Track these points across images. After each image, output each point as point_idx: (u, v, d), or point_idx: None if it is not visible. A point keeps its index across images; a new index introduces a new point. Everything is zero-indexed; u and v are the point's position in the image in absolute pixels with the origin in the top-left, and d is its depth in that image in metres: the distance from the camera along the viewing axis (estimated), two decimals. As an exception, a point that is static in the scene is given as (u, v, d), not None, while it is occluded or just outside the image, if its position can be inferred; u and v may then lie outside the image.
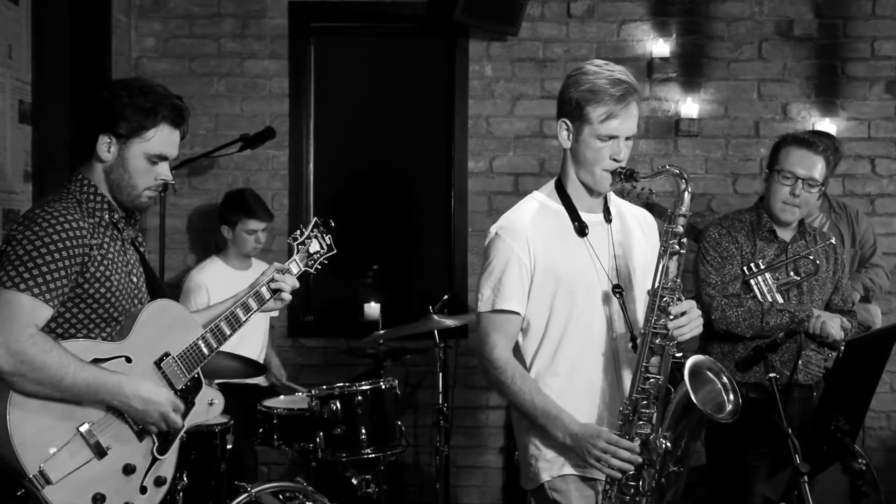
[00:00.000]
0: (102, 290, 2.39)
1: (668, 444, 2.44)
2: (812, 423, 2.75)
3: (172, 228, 5.07)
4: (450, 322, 4.34)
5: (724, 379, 2.49)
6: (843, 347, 2.68)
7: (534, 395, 2.54)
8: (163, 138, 2.48)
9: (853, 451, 2.57)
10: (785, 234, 3.58)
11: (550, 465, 2.59)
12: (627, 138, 2.56)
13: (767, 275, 3.51)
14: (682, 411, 2.44)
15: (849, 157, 5.10)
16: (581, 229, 2.61)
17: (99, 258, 2.39)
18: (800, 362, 3.45)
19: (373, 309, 4.96)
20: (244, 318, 2.68)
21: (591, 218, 2.65)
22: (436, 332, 4.42)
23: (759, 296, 3.49)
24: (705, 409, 2.41)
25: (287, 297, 2.76)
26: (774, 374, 2.64)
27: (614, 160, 2.55)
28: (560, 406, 2.53)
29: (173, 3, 5.14)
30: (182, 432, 2.54)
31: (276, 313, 4.84)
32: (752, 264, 3.52)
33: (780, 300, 3.49)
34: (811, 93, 5.13)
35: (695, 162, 5.15)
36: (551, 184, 2.72)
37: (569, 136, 2.60)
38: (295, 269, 2.81)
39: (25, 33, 3.96)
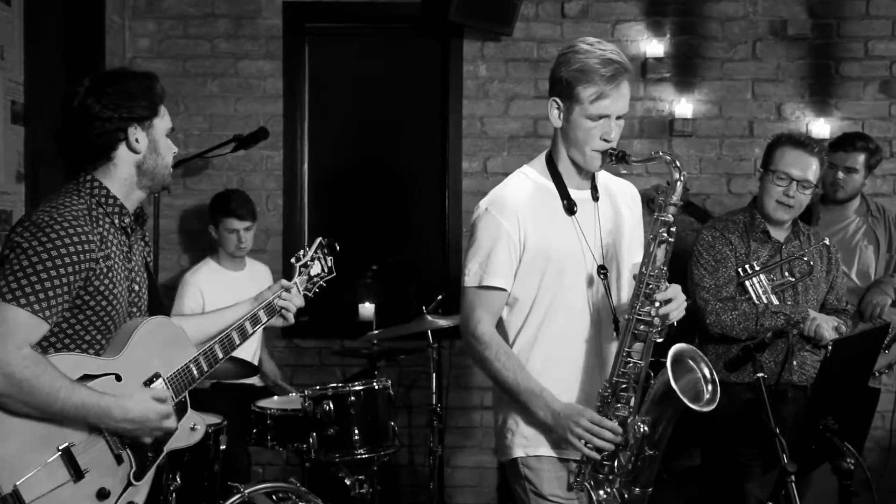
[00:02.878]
0: (104, 302, 2.32)
1: (647, 429, 2.47)
2: (801, 422, 2.75)
3: (166, 229, 5.07)
4: (443, 322, 4.34)
5: (705, 369, 2.52)
6: (829, 347, 2.68)
7: (517, 372, 2.56)
8: (167, 112, 2.48)
9: (842, 450, 2.58)
10: (779, 235, 3.59)
11: (527, 443, 2.61)
12: (619, 118, 2.56)
13: (762, 276, 3.52)
14: (662, 397, 2.46)
15: (843, 156, 5.10)
16: (570, 207, 2.62)
17: (105, 270, 2.30)
18: (794, 363, 3.46)
19: (367, 309, 4.96)
20: (238, 343, 2.61)
21: (580, 195, 2.66)
22: (429, 332, 4.42)
23: (754, 297, 3.49)
24: (684, 397, 2.43)
25: (291, 318, 2.70)
26: (762, 374, 2.64)
27: (605, 140, 2.55)
28: (542, 385, 2.54)
29: (167, 4, 5.13)
30: (161, 458, 2.47)
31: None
32: (746, 266, 3.52)
33: (776, 301, 3.50)
34: (805, 93, 5.13)
35: (689, 162, 5.15)
36: (542, 158, 2.72)
37: (559, 114, 2.61)
38: (297, 291, 2.75)
39: (18, 34, 3.96)
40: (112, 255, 2.34)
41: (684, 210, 4.87)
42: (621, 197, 2.77)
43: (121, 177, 2.40)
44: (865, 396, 3.13)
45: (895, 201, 5.11)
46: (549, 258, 2.60)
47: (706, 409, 2.46)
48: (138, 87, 2.40)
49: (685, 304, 2.53)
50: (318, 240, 2.85)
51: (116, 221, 2.39)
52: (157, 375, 2.41)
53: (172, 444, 2.49)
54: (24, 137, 3.98)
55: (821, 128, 5.04)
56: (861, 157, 4.21)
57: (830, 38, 5.12)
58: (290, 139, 5.17)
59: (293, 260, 2.79)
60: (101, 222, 2.34)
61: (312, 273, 2.81)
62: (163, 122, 2.45)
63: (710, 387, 2.49)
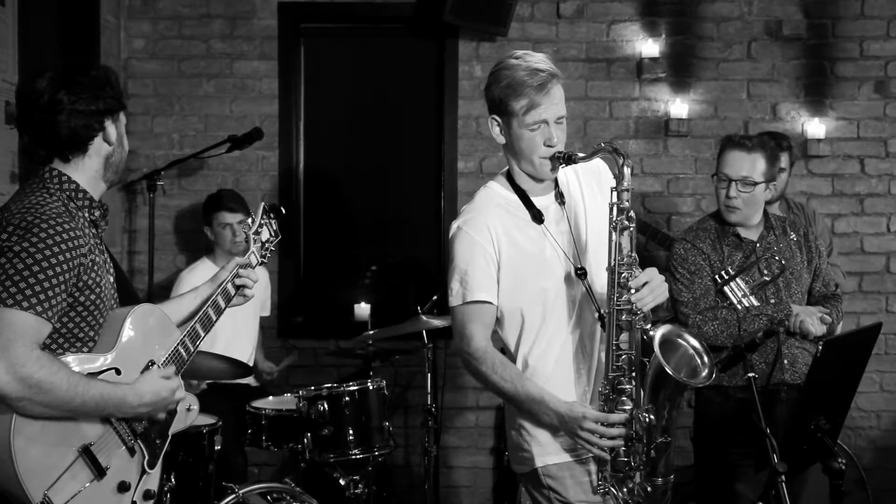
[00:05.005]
0: (93, 296, 2.33)
1: (652, 417, 2.47)
2: (792, 422, 2.76)
3: (162, 229, 5.07)
4: (438, 322, 4.33)
5: (696, 343, 2.53)
6: (820, 347, 2.68)
7: (516, 381, 2.57)
8: None
9: (833, 450, 2.58)
10: (751, 235, 3.59)
11: (544, 450, 2.61)
12: (559, 121, 2.57)
13: (739, 280, 3.51)
14: (658, 382, 2.47)
15: (838, 156, 5.12)
16: (537, 217, 2.63)
17: (90, 265, 2.32)
18: (786, 361, 3.46)
19: (362, 310, 4.95)
20: (216, 319, 2.64)
21: (545, 202, 2.67)
22: (424, 332, 4.42)
23: (734, 301, 3.48)
24: (679, 376, 2.44)
25: (250, 293, 2.72)
26: (753, 374, 2.64)
27: (549, 146, 2.56)
28: (543, 388, 2.55)
29: (162, 4, 5.13)
30: (167, 443, 2.51)
31: (265, 312, 4.86)
32: (722, 272, 3.52)
33: (756, 302, 3.49)
34: (800, 93, 5.13)
35: (684, 162, 5.15)
36: (502, 175, 2.73)
37: (501, 131, 2.63)
38: (254, 262, 2.76)
39: (12, 34, 3.95)
40: (92, 249, 2.36)
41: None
42: (589, 188, 2.75)
43: (91, 169, 2.41)
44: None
45: (889, 202, 5.13)
46: (525, 268, 2.61)
47: (706, 383, 2.48)
48: (106, 79, 2.43)
49: (664, 286, 2.53)
50: (262, 205, 2.86)
51: (87, 215, 2.41)
52: (151, 362, 2.44)
53: (174, 427, 2.54)
54: (18, 138, 3.97)
55: (816, 128, 5.05)
56: (786, 156, 4.26)
57: (825, 38, 5.12)
58: (285, 139, 5.17)
59: (244, 228, 2.81)
60: (76, 217, 2.35)
61: (263, 239, 2.83)
62: (124, 116, 2.50)
63: (704, 359, 2.52)
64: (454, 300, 2.64)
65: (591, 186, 2.74)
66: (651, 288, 2.49)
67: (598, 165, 2.77)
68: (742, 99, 5.14)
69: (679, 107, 5.08)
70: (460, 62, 5.14)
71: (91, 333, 2.35)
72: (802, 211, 4.51)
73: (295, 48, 5.22)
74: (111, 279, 2.49)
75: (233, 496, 3.42)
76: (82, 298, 2.30)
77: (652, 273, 2.52)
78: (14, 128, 3.96)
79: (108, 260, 2.52)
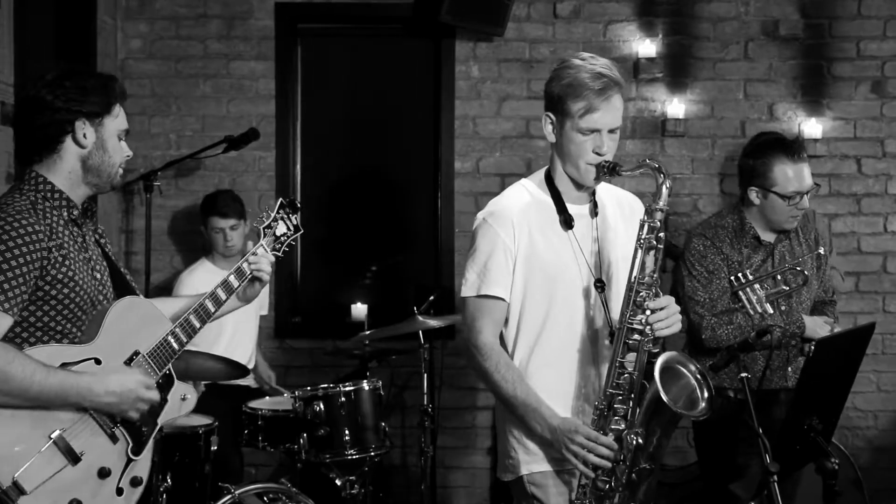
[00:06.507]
0: (66, 290, 2.35)
1: (640, 440, 2.45)
2: (785, 422, 2.76)
3: (159, 230, 5.07)
4: (434, 323, 4.33)
5: (698, 375, 2.50)
6: (813, 347, 2.68)
7: (517, 384, 2.56)
8: (123, 113, 2.53)
9: (826, 450, 2.58)
10: (769, 237, 3.57)
11: (530, 459, 2.61)
12: (612, 131, 2.57)
13: (756, 285, 3.49)
14: (654, 408, 2.44)
15: (835, 156, 5.12)
16: (567, 222, 2.63)
17: (60, 259, 2.35)
18: (789, 369, 3.47)
19: (359, 310, 4.95)
20: (213, 310, 2.64)
21: (578, 210, 2.67)
22: (420, 332, 4.42)
23: (748, 307, 3.47)
24: (676, 406, 2.42)
25: (266, 278, 2.73)
26: (746, 375, 2.64)
27: (598, 153, 2.56)
28: (541, 398, 2.54)
29: (159, 5, 5.13)
30: (156, 431, 2.52)
31: (264, 311, 4.85)
32: (739, 275, 3.49)
33: (770, 310, 3.47)
34: (797, 93, 5.13)
35: (681, 162, 5.15)
36: (541, 173, 2.74)
37: (553, 129, 2.63)
38: (261, 252, 2.77)
39: (8, 34, 3.95)
40: (65, 245, 2.38)
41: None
42: (621, 212, 2.76)
43: (65, 170, 2.45)
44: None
45: (886, 201, 5.13)
46: (540, 270, 2.61)
47: (702, 417, 2.45)
48: (94, 84, 2.46)
49: (678, 318, 2.52)
50: (280, 200, 2.89)
51: (66, 214, 2.44)
52: (136, 353, 2.45)
53: (166, 416, 2.54)
54: (14, 139, 3.97)
55: (813, 128, 5.05)
56: None
57: (822, 38, 5.12)
58: (282, 140, 5.17)
59: (256, 223, 2.84)
60: (48, 215, 2.39)
61: (278, 233, 2.85)
62: (115, 123, 2.50)
63: (705, 392, 2.47)
64: (468, 290, 2.64)
65: (623, 210, 2.76)
66: (668, 313, 2.48)
67: (634, 203, 2.80)
68: (739, 99, 5.14)
69: (676, 107, 5.08)
70: (457, 62, 5.14)
71: (69, 326, 2.38)
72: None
73: (292, 48, 5.22)
74: (98, 276, 2.50)
75: (229, 496, 3.43)
76: (53, 292, 2.34)
77: (670, 301, 2.51)
78: (10, 127, 3.97)
79: (97, 257, 2.54)
